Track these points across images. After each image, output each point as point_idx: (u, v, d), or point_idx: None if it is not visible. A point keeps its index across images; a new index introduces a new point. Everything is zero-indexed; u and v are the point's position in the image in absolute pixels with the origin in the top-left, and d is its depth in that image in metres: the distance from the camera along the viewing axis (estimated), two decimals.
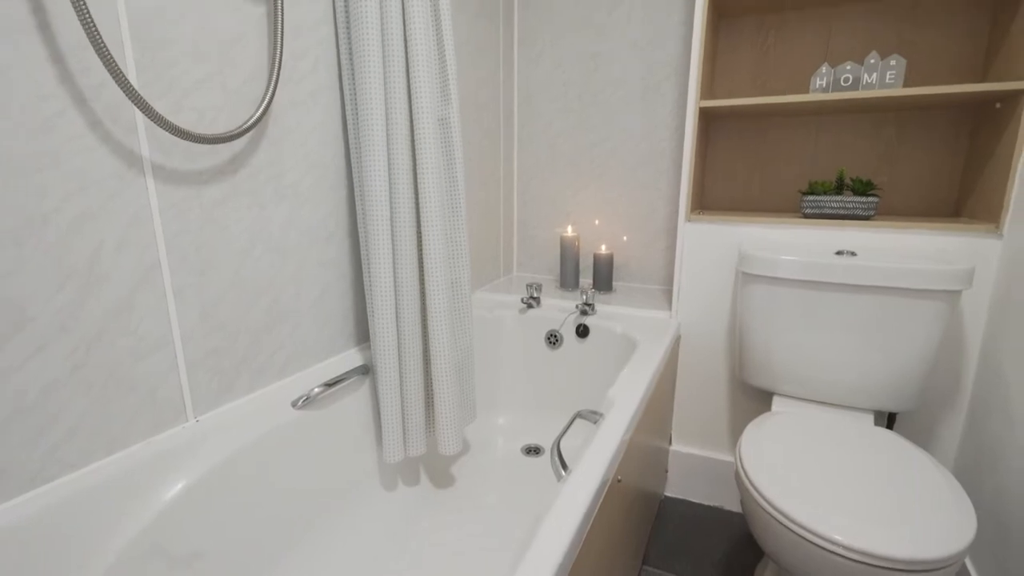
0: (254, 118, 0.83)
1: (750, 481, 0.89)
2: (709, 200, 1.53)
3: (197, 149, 0.81)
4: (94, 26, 0.60)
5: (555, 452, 0.83)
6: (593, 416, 0.88)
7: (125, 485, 0.72)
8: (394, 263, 1.05)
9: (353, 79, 1.02)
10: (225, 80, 0.84)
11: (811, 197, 1.25)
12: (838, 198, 1.22)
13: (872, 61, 1.15)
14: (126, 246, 0.73)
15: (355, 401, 1.11)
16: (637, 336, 1.28)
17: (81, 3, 0.58)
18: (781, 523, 0.81)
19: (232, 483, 0.84)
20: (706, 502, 1.47)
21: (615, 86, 1.57)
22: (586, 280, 1.73)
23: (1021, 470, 0.92)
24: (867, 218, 1.22)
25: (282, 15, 0.87)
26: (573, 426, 1.46)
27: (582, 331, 1.44)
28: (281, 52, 0.87)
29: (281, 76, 0.93)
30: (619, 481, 0.80)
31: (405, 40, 0.99)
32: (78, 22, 0.64)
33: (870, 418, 1.13)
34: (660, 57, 1.49)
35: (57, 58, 0.64)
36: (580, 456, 0.76)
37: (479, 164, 1.57)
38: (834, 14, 1.30)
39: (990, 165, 1.13)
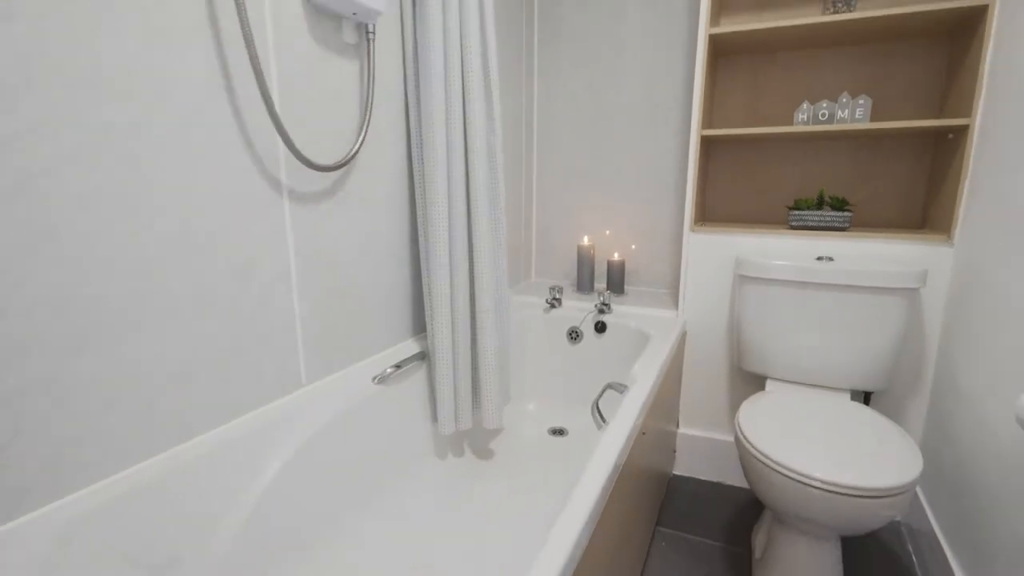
0: (352, 152, 1.07)
1: (746, 438, 1.10)
2: (710, 213, 1.76)
3: (314, 176, 1.04)
4: (267, 90, 0.83)
5: (595, 409, 1.05)
6: (620, 387, 1.09)
7: (267, 431, 0.94)
8: (451, 267, 1.28)
9: (419, 119, 1.25)
10: (332, 123, 1.07)
11: (796, 212, 1.48)
12: (819, 212, 1.45)
13: (844, 100, 1.39)
14: (270, 250, 0.95)
15: (414, 383, 1.33)
16: (649, 331, 1.50)
17: (261, 77, 0.82)
18: (772, 468, 1.02)
19: (335, 436, 1.05)
20: (710, 478, 1.68)
21: (623, 115, 1.81)
22: (600, 284, 1.96)
23: (968, 439, 1.14)
24: (843, 229, 1.44)
25: (373, 73, 1.11)
26: (591, 402, 1.67)
27: (600, 327, 1.66)
28: (371, 104, 1.11)
29: (371, 119, 1.17)
30: (643, 434, 1.02)
31: (463, 87, 1.22)
32: (256, 87, 0.87)
33: (847, 395, 1.34)
34: (664, 89, 1.74)
35: (236, 115, 0.87)
36: (614, 414, 0.98)
37: (506, 182, 1.81)
38: (813, 57, 1.54)
39: (945, 185, 1.36)
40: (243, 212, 0.90)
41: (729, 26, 1.41)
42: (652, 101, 1.77)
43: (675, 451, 1.71)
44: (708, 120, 1.58)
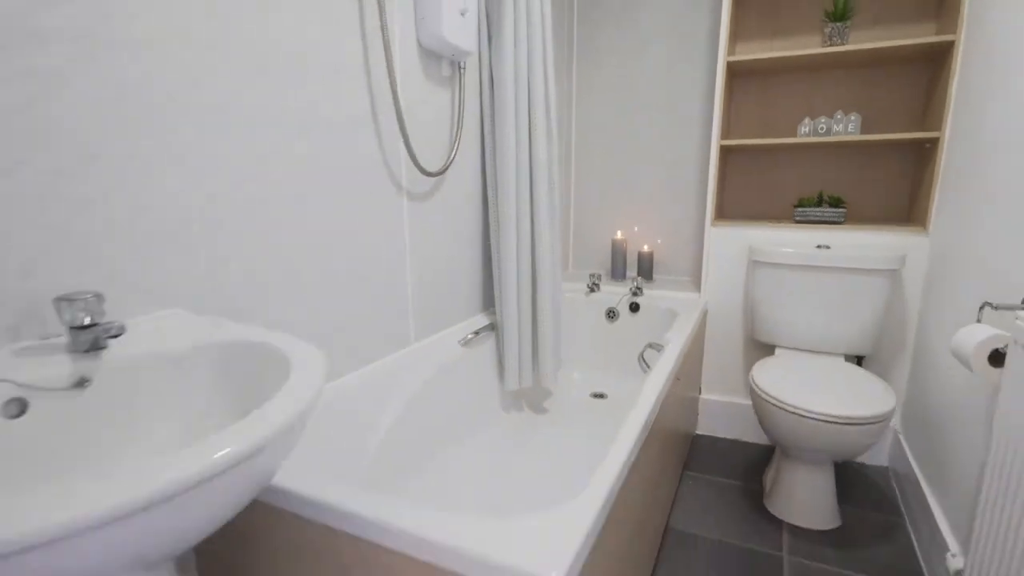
0: (449, 162, 1.38)
1: (758, 386, 1.39)
2: (726, 211, 2.05)
3: (423, 180, 1.35)
4: (401, 113, 1.14)
5: (640, 360, 1.34)
6: (658, 346, 1.39)
7: (395, 374, 1.24)
8: (517, 254, 1.58)
9: (494, 135, 1.56)
10: (434, 138, 1.38)
11: (800, 208, 1.77)
12: (819, 209, 1.74)
13: (839, 115, 1.68)
14: (394, 237, 1.26)
15: (486, 349, 1.63)
16: (676, 309, 1.79)
17: (399, 106, 1.13)
18: (778, 407, 1.31)
19: (435, 385, 1.36)
20: (729, 436, 1.96)
21: (650, 127, 2.10)
22: (631, 272, 2.25)
23: (937, 391, 1.41)
24: (839, 223, 1.73)
25: (462, 100, 1.41)
26: (626, 371, 1.96)
27: (634, 307, 1.95)
28: (461, 123, 1.41)
29: (461, 135, 1.48)
30: (678, 379, 1.31)
31: (529, 111, 1.53)
32: (395, 121, 1.18)
33: (842, 359, 1.63)
34: (686, 104, 2.03)
35: (377, 135, 1.18)
36: (654, 365, 1.27)
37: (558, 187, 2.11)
38: (814, 79, 1.83)
39: (922, 186, 1.64)
40: (378, 209, 1.21)
41: (744, 54, 1.71)
42: (676, 115, 2.06)
43: (698, 414, 2.00)
44: (726, 131, 1.88)
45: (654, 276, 2.20)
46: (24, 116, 0.64)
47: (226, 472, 0.44)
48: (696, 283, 2.06)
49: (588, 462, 1.51)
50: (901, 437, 1.66)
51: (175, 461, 0.42)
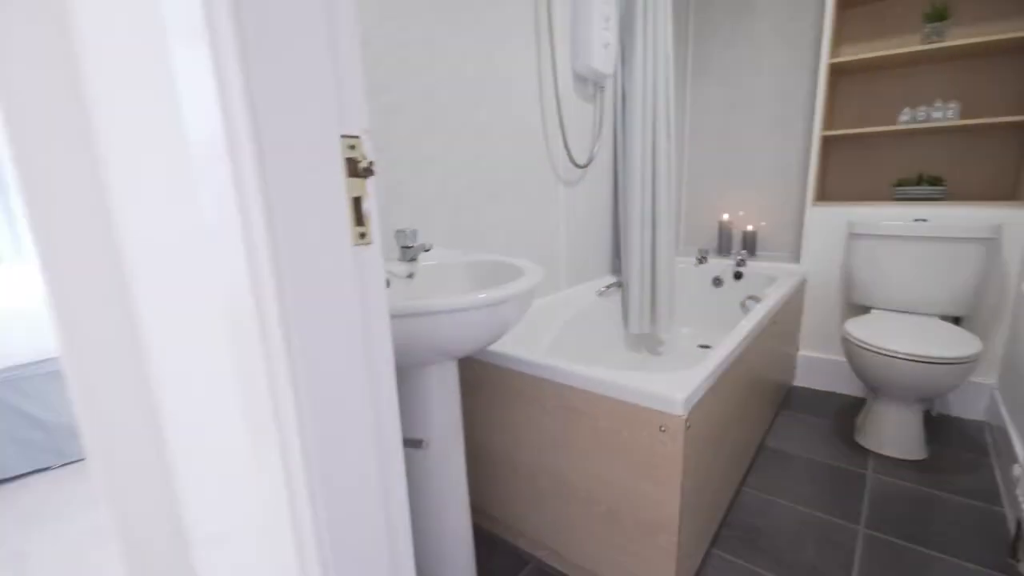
0: (591, 157, 1.86)
1: (850, 334, 1.69)
2: (827, 193, 2.29)
3: (574, 171, 1.86)
4: (563, 124, 1.65)
5: (742, 306, 1.72)
6: (756, 298, 1.75)
7: (554, 308, 1.76)
8: (641, 226, 2.02)
9: (624, 133, 2.01)
10: (582, 140, 1.88)
11: (900, 187, 1.99)
12: (918, 188, 1.95)
13: (938, 104, 1.88)
14: (554, 212, 1.78)
15: (614, 301, 2.10)
16: (776, 276, 2.10)
17: (561, 119, 1.64)
18: (868, 349, 1.61)
19: (579, 320, 1.86)
20: (823, 388, 2.22)
21: (756, 123, 2.40)
22: (735, 249, 2.56)
23: None
24: (938, 199, 1.92)
25: (601, 111, 1.90)
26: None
27: (737, 276, 2.29)
28: (600, 128, 1.90)
29: (600, 137, 1.96)
30: (775, 323, 1.67)
31: (653, 115, 1.96)
32: (558, 127, 1.70)
33: (936, 318, 1.84)
34: (790, 101, 2.31)
35: (545, 139, 1.71)
36: (755, 309, 1.65)
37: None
38: (912, 72, 2.03)
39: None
40: (544, 191, 1.74)
41: (846, 55, 1.98)
42: (780, 110, 2.34)
43: (795, 368, 2.28)
44: (828, 122, 2.14)
45: (757, 252, 2.50)
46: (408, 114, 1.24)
47: (497, 304, 0.97)
48: (795, 258, 2.33)
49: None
50: (997, 393, 1.83)
51: (477, 294, 0.95)
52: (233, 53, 0.40)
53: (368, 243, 0.50)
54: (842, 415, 2.02)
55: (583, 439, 1.13)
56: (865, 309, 2.09)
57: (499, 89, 1.49)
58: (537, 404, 1.20)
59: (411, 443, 0.94)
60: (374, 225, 0.51)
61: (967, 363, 1.50)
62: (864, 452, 1.77)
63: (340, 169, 0.46)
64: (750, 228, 2.44)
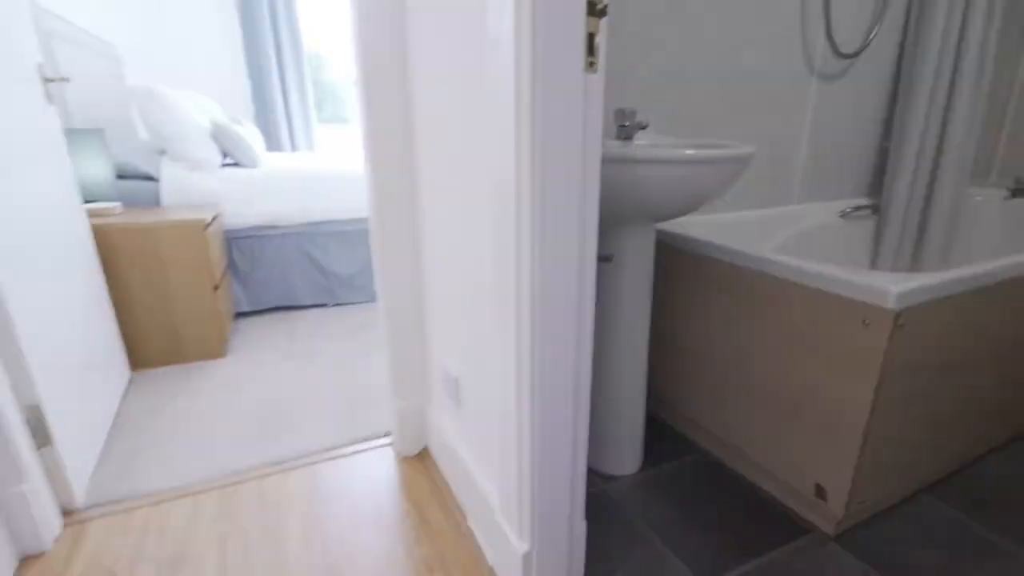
0: (865, 43, 1.46)
1: None
2: None
3: (835, 61, 1.49)
4: (828, 9, 1.31)
5: None
6: None
7: (776, 220, 1.52)
8: (921, 144, 1.54)
9: (922, 13, 1.50)
10: (855, 20, 1.48)
11: None
12: None
13: None
14: (794, 112, 1.48)
15: (862, 227, 1.69)
16: None
17: (827, 14, 1.30)
18: None
19: (808, 238, 1.56)
20: None
21: None
22: None
23: None
24: None
25: None
26: None
27: None
28: (886, 3, 1.45)
29: (884, 17, 1.52)
30: None
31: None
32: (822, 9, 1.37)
33: None
34: None
35: (800, 15, 1.39)
36: None
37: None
38: None
39: None
40: (788, 84, 1.45)
41: None
42: None
43: None
44: None
45: None
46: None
47: (699, 163, 0.87)
48: None
49: None
50: None
51: (682, 150, 0.85)
52: None
53: (595, 72, 0.62)
54: None
55: (774, 331, 1.02)
56: None
57: None
58: (730, 293, 1.11)
59: (603, 258, 1.03)
60: (601, 58, 0.62)
61: None
62: None
63: (583, 6, 0.59)
64: None
